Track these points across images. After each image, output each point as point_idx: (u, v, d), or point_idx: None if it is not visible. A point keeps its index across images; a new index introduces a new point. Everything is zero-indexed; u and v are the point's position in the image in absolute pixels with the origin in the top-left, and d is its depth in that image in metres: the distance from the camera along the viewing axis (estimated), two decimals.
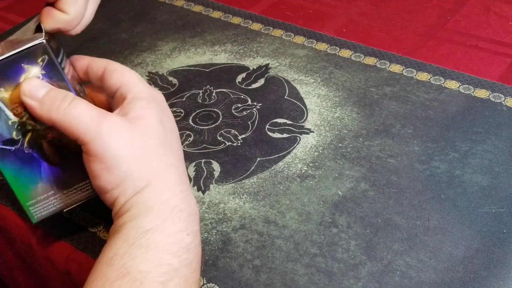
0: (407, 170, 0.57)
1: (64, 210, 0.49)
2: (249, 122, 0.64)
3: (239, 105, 0.67)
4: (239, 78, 0.71)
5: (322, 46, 0.74)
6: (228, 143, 0.62)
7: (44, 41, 0.43)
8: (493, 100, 0.64)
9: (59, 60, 0.45)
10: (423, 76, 0.68)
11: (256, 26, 0.79)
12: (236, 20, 0.81)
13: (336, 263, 0.50)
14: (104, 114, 0.44)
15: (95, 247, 0.52)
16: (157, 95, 0.48)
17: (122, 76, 0.48)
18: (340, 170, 0.58)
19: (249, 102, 0.67)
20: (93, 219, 0.55)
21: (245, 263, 0.50)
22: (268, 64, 0.72)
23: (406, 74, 0.69)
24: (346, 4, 0.83)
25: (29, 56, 0.44)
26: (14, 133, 0.46)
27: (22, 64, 0.44)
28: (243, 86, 0.69)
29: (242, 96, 0.68)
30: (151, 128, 0.45)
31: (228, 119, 0.65)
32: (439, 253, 0.50)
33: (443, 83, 0.67)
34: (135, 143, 0.44)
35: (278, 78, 0.70)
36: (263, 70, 0.71)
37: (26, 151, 0.47)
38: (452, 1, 0.82)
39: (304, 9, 0.83)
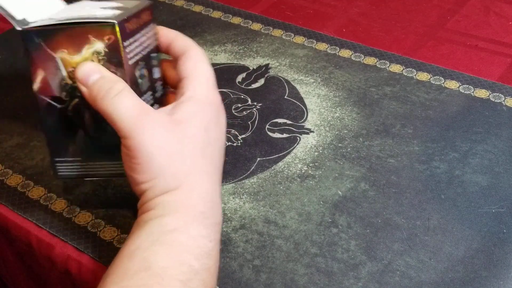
0: (407, 170, 0.57)
1: (86, 179, 0.50)
2: (249, 122, 0.64)
3: (239, 105, 0.67)
4: (239, 78, 0.71)
5: (322, 46, 0.74)
6: (228, 143, 0.62)
7: (116, 21, 0.43)
8: (493, 100, 0.64)
9: (129, 42, 0.45)
10: (423, 76, 0.68)
11: (256, 26, 0.79)
12: (236, 20, 0.81)
13: (336, 263, 0.50)
14: (147, 111, 0.44)
15: (95, 247, 0.52)
16: (215, 101, 0.47)
17: (194, 68, 0.47)
18: (340, 170, 0.58)
19: (249, 102, 0.67)
20: (93, 219, 0.55)
21: (245, 263, 0.50)
22: (268, 64, 0.72)
23: (406, 74, 0.69)
24: (346, 4, 0.83)
25: (97, 30, 0.44)
26: (64, 93, 0.47)
27: (89, 35, 0.44)
28: (243, 86, 0.69)
29: (242, 96, 0.68)
30: (192, 133, 0.44)
31: (228, 119, 0.65)
32: (439, 253, 0.50)
33: (443, 83, 0.67)
34: (171, 144, 0.43)
35: (278, 78, 0.70)
36: (263, 70, 0.71)
37: (69, 114, 0.48)
38: (452, 1, 0.82)
39: (304, 9, 0.83)
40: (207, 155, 0.45)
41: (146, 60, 0.48)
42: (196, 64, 0.48)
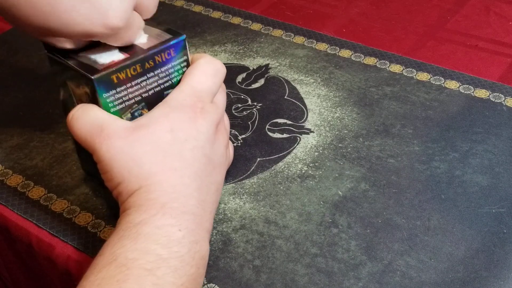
0: (407, 170, 0.57)
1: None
2: (249, 122, 0.64)
3: (239, 105, 0.67)
4: (239, 78, 0.71)
5: (322, 46, 0.74)
6: None
7: (92, 77, 0.46)
8: (493, 100, 0.64)
9: (120, 89, 0.48)
10: (423, 76, 0.68)
11: (256, 26, 0.79)
12: (236, 20, 0.81)
13: (337, 263, 0.50)
14: (106, 125, 0.46)
15: (95, 247, 0.52)
16: (189, 105, 0.48)
17: (184, 76, 0.50)
18: (340, 170, 0.58)
19: (249, 102, 0.67)
20: (93, 219, 0.55)
21: (245, 263, 0.50)
22: (268, 64, 0.72)
23: (406, 74, 0.69)
24: (346, 4, 0.83)
25: (85, 77, 0.47)
26: None
27: (81, 79, 0.48)
28: (243, 86, 0.69)
29: (242, 96, 0.68)
30: (153, 135, 0.46)
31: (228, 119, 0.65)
32: (440, 253, 0.50)
33: (443, 83, 0.67)
34: (128, 151, 0.46)
35: (278, 78, 0.70)
36: (263, 70, 0.71)
37: None
38: (452, 1, 0.82)
39: (304, 9, 0.83)
40: (173, 153, 0.46)
41: (154, 98, 0.50)
42: (188, 71, 0.50)
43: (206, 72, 0.50)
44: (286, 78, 0.70)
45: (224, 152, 0.52)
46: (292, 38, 0.76)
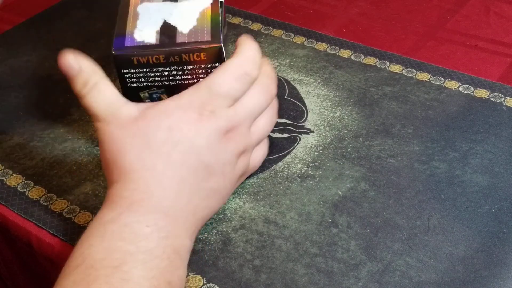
0: (407, 170, 0.57)
1: None
2: None
3: None
4: None
5: (322, 46, 0.74)
6: None
7: (113, 52, 0.48)
8: (493, 100, 0.64)
9: (134, 70, 0.49)
10: (423, 76, 0.68)
11: (256, 26, 0.79)
12: (236, 20, 0.81)
13: (336, 263, 0.50)
14: (116, 106, 0.47)
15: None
16: (198, 106, 0.46)
17: (212, 74, 0.48)
18: (340, 170, 0.58)
19: None
20: (93, 218, 0.55)
21: (245, 263, 0.50)
22: None
23: (406, 74, 0.69)
24: (346, 4, 0.83)
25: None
26: None
27: None
28: None
29: None
30: (146, 129, 0.46)
31: None
32: (439, 253, 0.50)
33: (443, 83, 0.67)
34: (118, 140, 0.46)
35: (278, 78, 0.70)
36: None
37: None
38: (452, 1, 0.82)
39: (304, 9, 0.83)
40: (160, 153, 0.46)
41: (177, 88, 0.49)
42: (218, 69, 0.48)
43: (232, 74, 0.47)
44: (286, 78, 0.70)
45: (232, 161, 0.48)
46: (292, 38, 0.76)
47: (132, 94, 0.49)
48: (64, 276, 0.41)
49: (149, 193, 0.45)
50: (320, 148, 0.60)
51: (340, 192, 0.56)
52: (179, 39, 0.48)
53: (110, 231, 0.43)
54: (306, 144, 0.61)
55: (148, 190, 0.45)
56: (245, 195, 0.56)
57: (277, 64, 0.72)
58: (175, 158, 0.46)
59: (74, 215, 0.55)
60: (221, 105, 0.47)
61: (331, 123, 0.63)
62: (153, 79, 0.49)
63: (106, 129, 0.47)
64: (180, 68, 0.49)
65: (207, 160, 0.47)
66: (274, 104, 0.53)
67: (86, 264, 0.41)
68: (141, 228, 0.43)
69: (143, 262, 0.41)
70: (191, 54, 0.48)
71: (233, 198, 0.56)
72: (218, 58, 0.49)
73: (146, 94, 0.50)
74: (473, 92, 0.66)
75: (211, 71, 0.49)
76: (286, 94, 0.68)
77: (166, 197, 0.45)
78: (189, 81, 0.49)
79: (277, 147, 0.61)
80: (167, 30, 0.49)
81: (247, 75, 0.48)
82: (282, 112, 0.65)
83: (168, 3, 0.51)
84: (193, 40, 0.48)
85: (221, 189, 0.49)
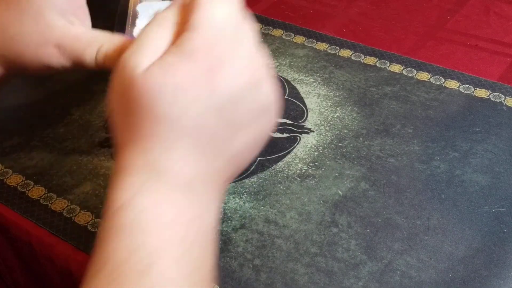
0: (407, 170, 0.57)
1: None
2: None
3: None
4: None
5: (322, 46, 0.74)
6: None
7: None
8: (493, 100, 0.64)
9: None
10: (423, 76, 0.68)
11: (256, 26, 0.79)
12: None
13: (337, 262, 0.49)
14: (128, 59, 0.35)
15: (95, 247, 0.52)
16: (204, 51, 0.36)
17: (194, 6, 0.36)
18: (340, 170, 0.58)
19: None
20: (93, 218, 0.55)
21: (245, 262, 0.50)
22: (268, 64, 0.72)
23: (406, 74, 0.69)
24: (346, 4, 0.83)
25: None
26: None
27: None
28: None
29: None
30: (151, 91, 0.35)
31: None
32: (440, 252, 0.50)
33: (443, 83, 0.67)
34: (123, 96, 0.36)
35: (278, 78, 0.70)
36: None
37: None
38: (452, 1, 0.82)
39: (304, 9, 0.83)
40: (170, 119, 0.35)
41: None
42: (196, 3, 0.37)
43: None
44: (286, 77, 0.70)
45: (266, 99, 0.40)
46: (292, 38, 0.76)
47: None
48: (88, 280, 0.34)
49: (166, 163, 0.35)
50: (320, 147, 0.60)
51: (340, 192, 0.56)
52: None
53: (127, 222, 0.34)
54: (306, 143, 0.61)
55: (166, 160, 0.35)
56: (245, 195, 0.56)
57: (277, 64, 0.72)
58: (187, 124, 0.36)
59: (74, 214, 0.55)
60: (232, 44, 0.39)
61: (331, 122, 0.63)
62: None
63: (117, 76, 0.36)
64: None
65: (230, 115, 0.38)
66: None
67: (109, 267, 0.33)
68: (163, 212, 0.35)
69: (173, 260, 0.34)
70: None
71: (233, 197, 0.56)
72: None
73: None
74: (473, 92, 0.66)
75: None
76: (286, 94, 0.68)
77: (182, 168, 0.36)
78: None
79: (277, 147, 0.61)
80: None
81: None
82: (282, 112, 0.65)
83: (167, 2, 0.51)
84: None
85: (246, 144, 0.41)
